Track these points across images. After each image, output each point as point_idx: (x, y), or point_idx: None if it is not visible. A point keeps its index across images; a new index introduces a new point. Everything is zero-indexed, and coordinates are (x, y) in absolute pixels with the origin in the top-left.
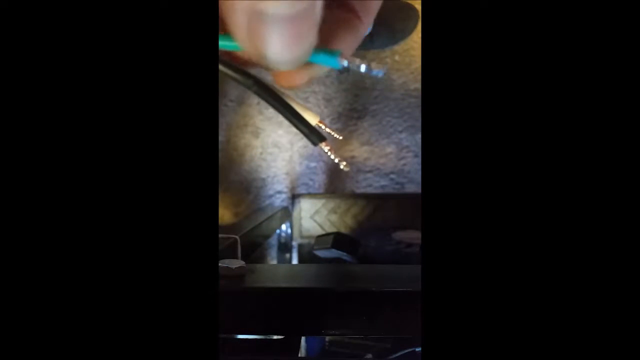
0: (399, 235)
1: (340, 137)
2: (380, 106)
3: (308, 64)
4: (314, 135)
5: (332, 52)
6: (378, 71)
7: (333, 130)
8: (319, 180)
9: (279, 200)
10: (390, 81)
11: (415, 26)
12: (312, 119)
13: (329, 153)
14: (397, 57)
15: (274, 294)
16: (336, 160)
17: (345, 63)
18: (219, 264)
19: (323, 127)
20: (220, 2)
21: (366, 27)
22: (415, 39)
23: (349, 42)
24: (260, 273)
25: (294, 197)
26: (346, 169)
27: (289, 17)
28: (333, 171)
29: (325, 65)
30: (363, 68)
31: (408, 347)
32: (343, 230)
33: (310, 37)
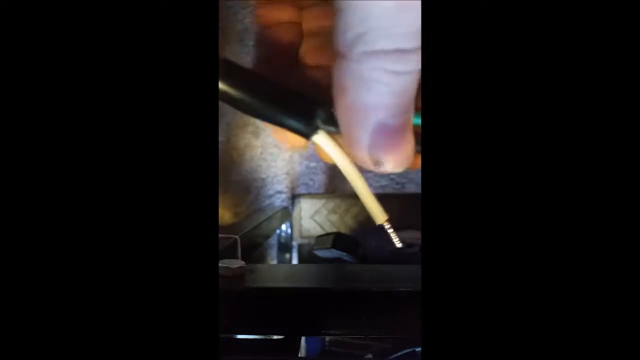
0: (399, 235)
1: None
2: None
3: None
4: None
5: None
6: None
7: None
8: (319, 180)
9: (279, 200)
10: None
11: None
12: (381, 217)
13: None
14: None
15: (274, 294)
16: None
17: None
18: (219, 264)
19: (388, 226)
20: (340, 116)
21: None
22: None
23: None
24: (260, 273)
25: (294, 197)
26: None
27: (397, 126)
28: (333, 171)
29: None
30: None
31: (408, 347)
32: (343, 230)
33: (412, 141)
